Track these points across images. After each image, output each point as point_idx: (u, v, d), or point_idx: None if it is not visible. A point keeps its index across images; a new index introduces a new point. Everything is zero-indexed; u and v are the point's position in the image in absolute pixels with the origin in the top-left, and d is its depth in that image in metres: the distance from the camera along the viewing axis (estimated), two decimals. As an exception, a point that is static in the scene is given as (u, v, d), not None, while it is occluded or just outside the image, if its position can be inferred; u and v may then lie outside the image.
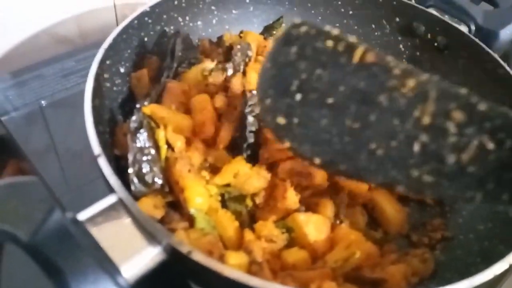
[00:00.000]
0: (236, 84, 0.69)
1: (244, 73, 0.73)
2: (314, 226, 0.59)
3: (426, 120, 0.33)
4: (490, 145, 0.33)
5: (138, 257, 0.46)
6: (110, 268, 0.43)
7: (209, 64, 0.75)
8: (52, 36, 1.05)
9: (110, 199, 0.49)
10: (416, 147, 0.34)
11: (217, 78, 0.71)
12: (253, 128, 0.64)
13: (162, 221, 0.59)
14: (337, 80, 0.36)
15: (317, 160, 0.40)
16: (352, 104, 0.36)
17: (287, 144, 0.42)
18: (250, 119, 0.64)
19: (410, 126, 0.34)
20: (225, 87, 0.72)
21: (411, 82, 0.34)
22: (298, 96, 0.39)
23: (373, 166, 0.37)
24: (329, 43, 0.37)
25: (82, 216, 0.47)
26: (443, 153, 0.35)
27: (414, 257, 0.63)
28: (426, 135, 0.34)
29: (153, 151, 0.58)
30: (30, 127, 0.89)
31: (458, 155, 0.35)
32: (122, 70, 0.71)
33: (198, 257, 0.44)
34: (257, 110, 0.66)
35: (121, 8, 1.13)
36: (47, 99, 0.92)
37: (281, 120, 0.40)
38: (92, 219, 0.47)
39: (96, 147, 0.52)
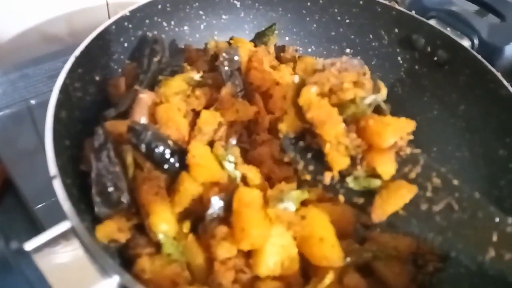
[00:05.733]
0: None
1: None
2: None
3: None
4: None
5: (88, 293, 0.42)
6: (53, 306, 0.40)
7: (194, 75, 0.71)
8: (41, 35, 1.02)
9: (62, 227, 0.45)
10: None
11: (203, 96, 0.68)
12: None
13: (127, 245, 0.55)
14: None
15: None
16: None
17: None
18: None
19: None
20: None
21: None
22: None
23: None
24: None
25: (29, 245, 0.43)
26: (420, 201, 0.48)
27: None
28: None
29: (118, 169, 0.54)
30: (18, 127, 0.87)
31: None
32: (97, 78, 0.67)
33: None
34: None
35: (114, 7, 1.09)
36: (33, 99, 0.89)
37: None
38: (40, 249, 0.43)
39: (52, 167, 0.48)
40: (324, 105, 0.48)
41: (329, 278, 0.52)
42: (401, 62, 0.85)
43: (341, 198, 0.50)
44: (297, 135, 0.54)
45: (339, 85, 0.47)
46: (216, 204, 0.55)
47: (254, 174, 0.59)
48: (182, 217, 0.57)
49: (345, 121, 0.49)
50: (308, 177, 0.51)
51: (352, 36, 0.88)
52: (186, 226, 0.56)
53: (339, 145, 0.48)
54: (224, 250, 0.52)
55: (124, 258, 0.55)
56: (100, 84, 0.68)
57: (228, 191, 0.56)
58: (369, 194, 0.49)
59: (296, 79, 0.51)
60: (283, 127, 0.54)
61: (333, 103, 0.48)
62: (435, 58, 0.80)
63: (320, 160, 0.50)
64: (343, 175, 0.50)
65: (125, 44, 0.73)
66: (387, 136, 0.47)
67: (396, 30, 0.84)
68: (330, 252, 0.54)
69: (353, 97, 0.47)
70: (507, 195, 0.65)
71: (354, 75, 0.47)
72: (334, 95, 0.48)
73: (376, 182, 0.48)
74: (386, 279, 0.59)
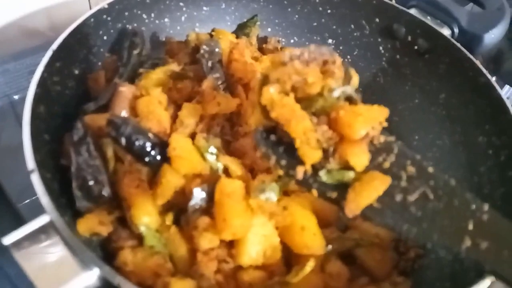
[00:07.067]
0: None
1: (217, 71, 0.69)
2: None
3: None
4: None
5: (68, 286, 0.42)
6: (33, 300, 0.40)
7: (175, 67, 0.71)
8: (22, 29, 1.00)
9: (41, 221, 0.44)
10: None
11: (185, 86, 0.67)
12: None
13: (109, 238, 0.55)
14: None
15: None
16: None
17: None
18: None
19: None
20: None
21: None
22: None
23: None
24: None
25: (8, 240, 0.43)
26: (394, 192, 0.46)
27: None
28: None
29: (98, 162, 0.54)
30: (1, 123, 0.85)
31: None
32: (76, 71, 0.67)
33: (128, 290, 0.40)
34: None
35: (95, 0, 1.07)
36: (15, 95, 0.88)
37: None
38: (19, 243, 0.43)
39: (30, 161, 0.48)
40: (287, 103, 0.45)
41: (309, 265, 0.52)
42: (382, 51, 0.86)
43: (315, 192, 0.47)
44: (268, 129, 0.51)
45: (301, 81, 0.45)
46: (198, 195, 0.56)
47: (235, 166, 0.59)
48: (164, 209, 0.57)
49: (315, 113, 0.47)
50: (280, 172, 0.49)
51: (334, 27, 0.88)
52: (169, 218, 0.56)
53: (310, 139, 0.46)
54: (207, 241, 0.52)
55: (106, 251, 0.55)
56: (79, 78, 0.67)
57: (210, 182, 0.56)
58: (343, 187, 0.46)
59: (259, 76, 0.50)
60: (252, 122, 0.52)
61: (300, 96, 0.46)
62: (416, 47, 0.81)
63: (292, 154, 0.47)
64: (316, 168, 0.47)
65: (105, 37, 0.72)
66: (358, 127, 0.45)
67: (377, 20, 0.84)
68: (311, 240, 0.54)
69: (320, 90, 0.45)
70: (487, 181, 0.66)
71: (317, 69, 0.45)
72: (300, 89, 0.46)
73: (350, 174, 0.46)
74: (368, 266, 0.60)
